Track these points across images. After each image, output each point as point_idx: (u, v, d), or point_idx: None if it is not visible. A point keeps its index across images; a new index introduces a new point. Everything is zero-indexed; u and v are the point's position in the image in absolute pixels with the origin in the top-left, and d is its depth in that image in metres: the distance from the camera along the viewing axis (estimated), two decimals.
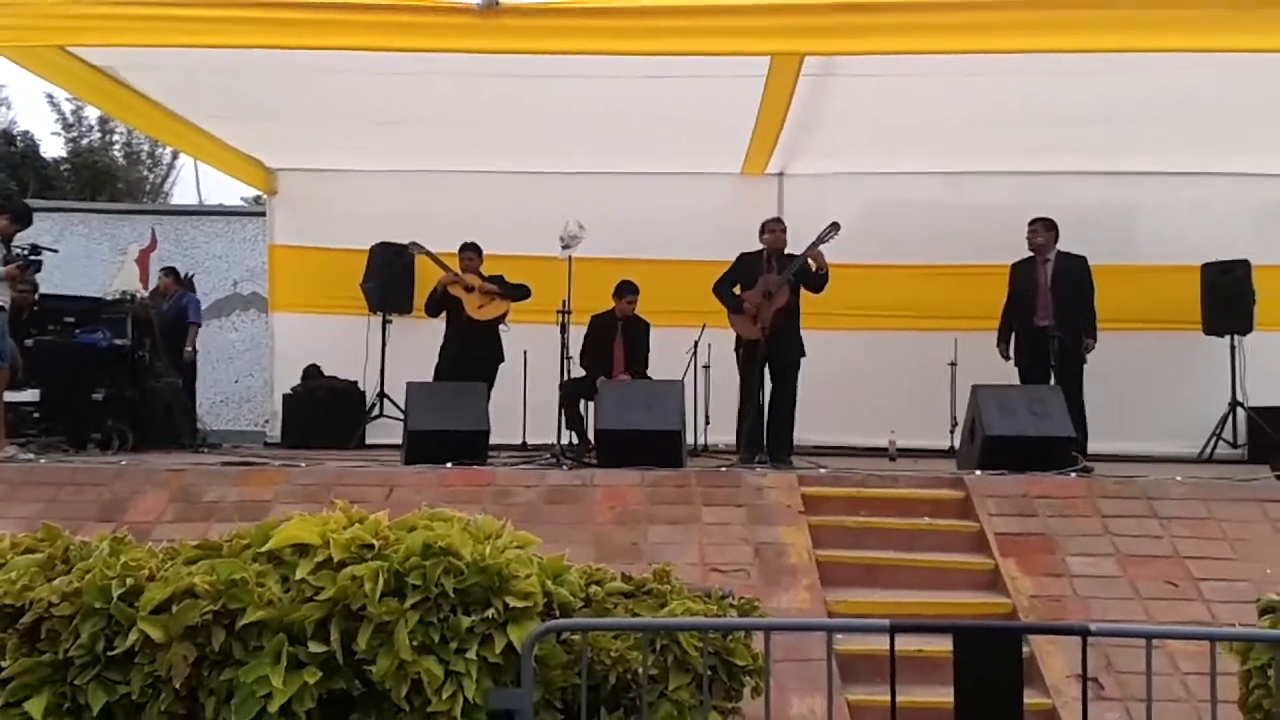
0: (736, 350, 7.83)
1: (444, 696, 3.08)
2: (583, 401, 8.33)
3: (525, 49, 6.56)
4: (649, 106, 7.96)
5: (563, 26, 6.50)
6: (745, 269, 7.75)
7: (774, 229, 7.77)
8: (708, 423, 8.62)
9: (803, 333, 7.77)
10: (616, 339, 8.59)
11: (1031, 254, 8.08)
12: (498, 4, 6.36)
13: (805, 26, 6.46)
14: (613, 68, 6.87)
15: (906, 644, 4.29)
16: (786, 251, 7.72)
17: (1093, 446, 7.60)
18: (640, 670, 3.20)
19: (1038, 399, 6.99)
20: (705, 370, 8.56)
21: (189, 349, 9.60)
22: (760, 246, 7.73)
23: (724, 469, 6.87)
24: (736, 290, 7.74)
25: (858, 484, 6.36)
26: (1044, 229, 8.01)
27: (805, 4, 6.49)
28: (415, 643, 3.11)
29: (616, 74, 7.04)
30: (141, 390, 8.37)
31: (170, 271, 10.30)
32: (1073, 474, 6.56)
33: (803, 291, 7.71)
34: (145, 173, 21.35)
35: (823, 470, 6.82)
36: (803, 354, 7.72)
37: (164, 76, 7.73)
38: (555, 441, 7.67)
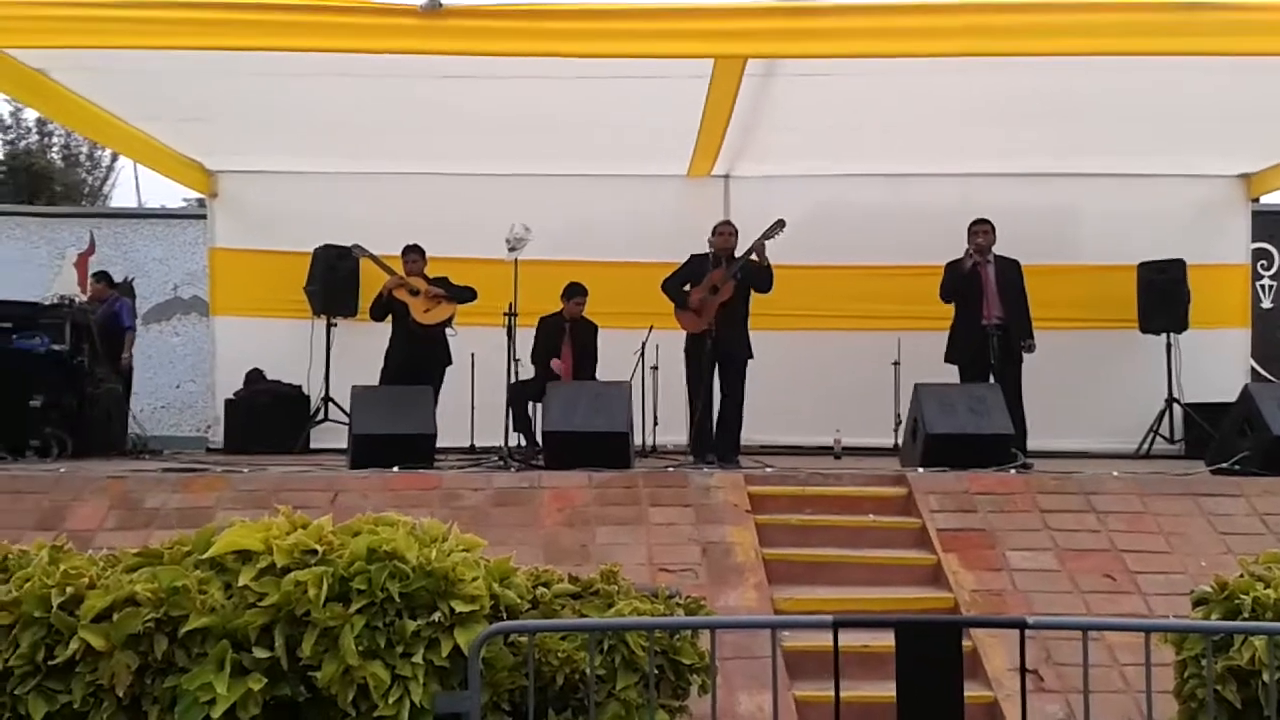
0: (687, 350, 7.89)
1: (390, 701, 3.09)
2: (530, 404, 8.32)
3: (469, 50, 6.54)
4: (594, 108, 7.97)
5: (507, 28, 6.48)
6: (695, 269, 7.80)
7: (723, 231, 7.85)
8: (656, 423, 8.64)
9: (751, 333, 7.83)
10: (565, 341, 8.58)
11: (965, 258, 8.12)
12: (441, 5, 6.33)
13: (747, 29, 6.51)
14: (557, 69, 6.86)
15: (851, 639, 4.33)
16: (736, 254, 7.79)
17: (1032, 443, 7.70)
18: (588, 670, 3.22)
19: (977, 397, 7.10)
20: (654, 371, 8.58)
21: (126, 355, 9.37)
22: (707, 249, 7.80)
23: (671, 469, 6.91)
24: (686, 289, 7.80)
25: (803, 483, 6.43)
26: (991, 229, 8.10)
27: (747, 7, 6.54)
28: (361, 648, 3.11)
29: (561, 75, 7.04)
30: (80, 396, 8.23)
31: (102, 276, 10.08)
32: (1012, 470, 6.67)
33: (752, 294, 7.77)
34: (84, 175, 20.94)
35: (769, 469, 6.89)
36: (750, 355, 7.77)
37: (101, 78, 7.60)
38: (503, 444, 7.65)
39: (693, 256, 7.89)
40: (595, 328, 8.66)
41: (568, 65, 6.75)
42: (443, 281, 8.57)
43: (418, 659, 3.14)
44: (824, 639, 4.44)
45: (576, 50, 6.53)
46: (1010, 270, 8.10)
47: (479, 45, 6.50)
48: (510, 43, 6.47)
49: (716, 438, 7.65)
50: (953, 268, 8.07)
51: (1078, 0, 6.55)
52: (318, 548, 3.25)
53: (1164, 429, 9.17)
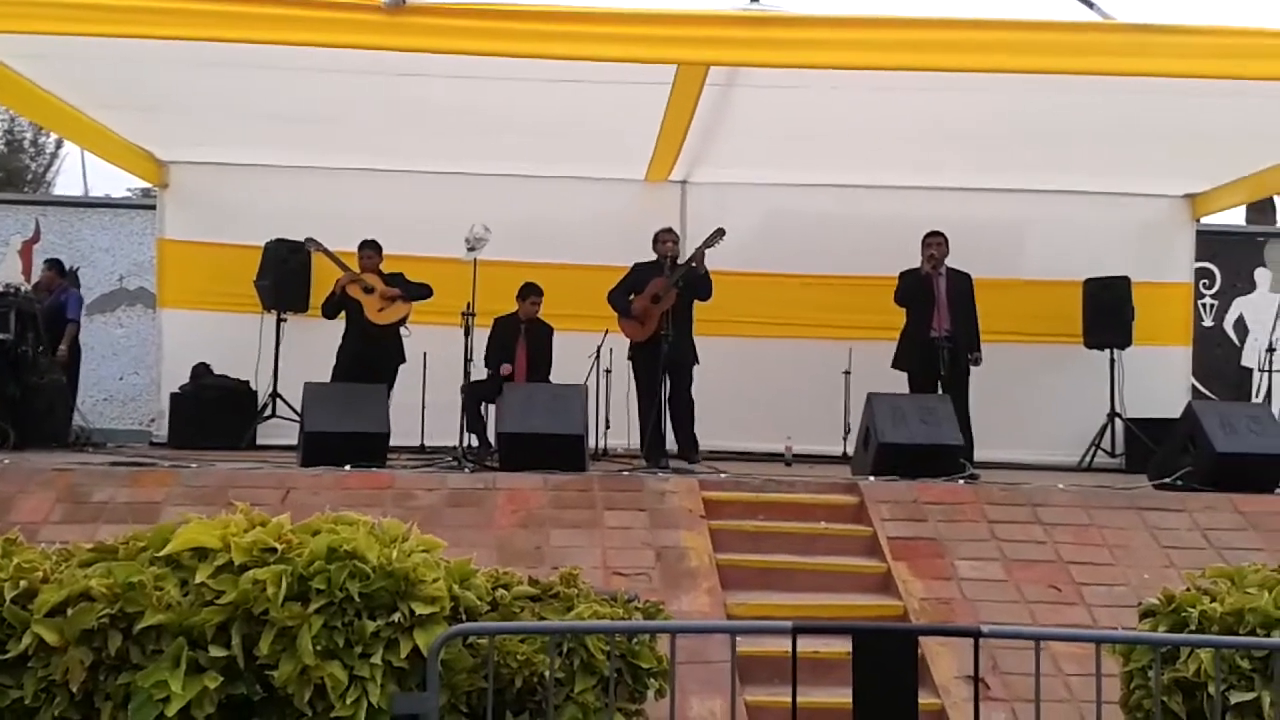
0: (631, 358, 8.00)
1: (348, 701, 3.07)
2: (484, 404, 8.29)
3: (432, 48, 6.50)
4: (555, 110, 7.95)
5: (471, 27, 6.44)
6: (640, 278, 7.88)
7: (665, 239, 7.95)
8: (608, 426, 8.65)
9: (706, 339, 7.92)
10: (519, 341, 8.56)
11: (923, 266, 8.23)
12: (404, 2, 6.30)
13: (711, 37, 6.55)
14: (520, 70, 6.85)
15: (804, 646, 4.38)
16: (680, 261, 7.87)
17: (977, 454, 7.82)
18: (546, 673, 3.22)
19: (929, 408, 7.20)
20: (607, 374, 8.60)
21: (62, 348, 9.10)
22: (654, 256, 7.88)
23: (626, 473, 6.93)
24: (631, 298, 7.85)
25: (757, 489, 6.48)
26: (945, 241, 8.21)
27: (712, 15, 6.59)
28: (319, 647, 3.08)
29: (523, 76, 7.03)
30: (24, 387, 8.07)
31: (53, 264, 9.88)
32: (961, 480, 6.77)
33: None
34: (28, 161, 20.56)
35: (723, 475, 6.92)
36: (695, 360, 7.86)
37: (52, 65, 7.42)
38: (457, 444, 7.62)
39: (636, 265, 7.99)
40: (550, 329, 8.65)
41: (530, 66, 6.73)
42: (398, 278, 8.51)
43: (376, 659, 3.12)
44: (775, 644, 4.50)
45: (540, 51, 6.51)
46: (961, 283, 8.24)
47: (443, 43, 6.46)
48: (474, 42, 6.44)
49: (678, 440, 7.75)
50: (908, 274, 8.20)
51: (1031, 20, 6.68)
52: (277, 546, 3.22)
53: (1105, 443, 9.34)
